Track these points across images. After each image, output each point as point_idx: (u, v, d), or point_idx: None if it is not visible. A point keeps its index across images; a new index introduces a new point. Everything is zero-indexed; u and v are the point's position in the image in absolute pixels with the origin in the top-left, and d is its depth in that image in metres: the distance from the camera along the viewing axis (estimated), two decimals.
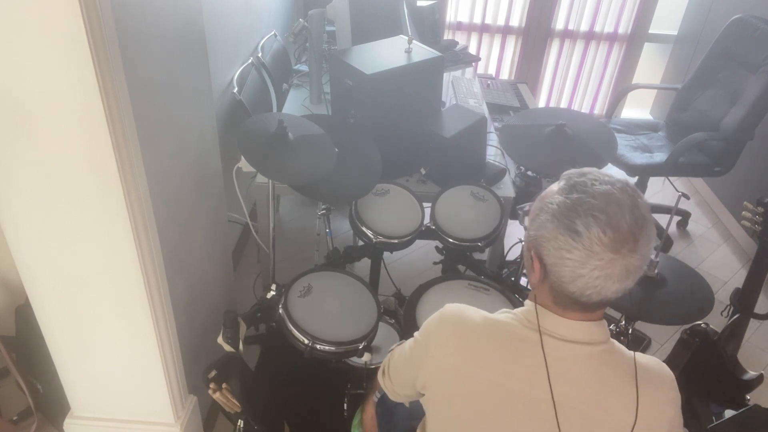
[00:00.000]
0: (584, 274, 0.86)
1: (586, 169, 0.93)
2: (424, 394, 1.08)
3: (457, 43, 3.16)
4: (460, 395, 1.00)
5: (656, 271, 1.59)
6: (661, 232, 3.07)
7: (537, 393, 0.94)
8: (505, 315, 1.01)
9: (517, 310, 1.01)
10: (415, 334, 1.10)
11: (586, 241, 0.85)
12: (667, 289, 1.58)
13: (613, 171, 3.27)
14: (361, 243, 1.95)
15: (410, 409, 1.33)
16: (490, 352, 0.97)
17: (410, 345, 1.13)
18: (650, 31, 3.95)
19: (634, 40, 3.96)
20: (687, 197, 1.64)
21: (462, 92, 2.79)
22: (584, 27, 3.94)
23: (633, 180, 3.16)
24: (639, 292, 1.57)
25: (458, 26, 3.98)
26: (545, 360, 0.94)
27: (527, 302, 0.99)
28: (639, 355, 0.96)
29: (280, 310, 1.51)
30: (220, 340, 1.53)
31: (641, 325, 2.47)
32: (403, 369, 1.15)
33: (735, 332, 1.80)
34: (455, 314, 1.02)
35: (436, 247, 2.01)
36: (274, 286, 1.74)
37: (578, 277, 0.87)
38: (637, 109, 4.33)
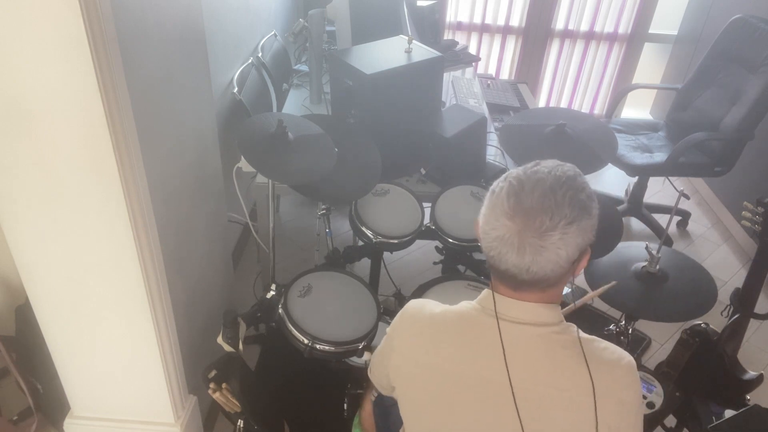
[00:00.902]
0: (487, 231, 0.93)
1: (558, 161, 0.97)
2: (394, 387, 1.11)
3: (457, 43, 3.16)
4: (425, 385, 1.03)
5: (657, 266, 1.58)
6: (661, 232, 3.08)
7: (494, 376, 0.96)
8: (462, 304, 1.04)
9: (474, 299, 1.03)
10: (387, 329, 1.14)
11: (494, 200, 0.93)
12: (669, 285, 1.58)
13: (613, 171, 3.28)
14: (361, 243, 1.95)
15: None
16: (448, 342, 1.00)
17: (382, 342, 1.17)
18: (650, 31, 3.95)
19: (634, 40, 3.96)
20: (687, 197, 1.64)
21: (462, 92, 2.79)
22: (584, 27, 3.94)
23: (633, 180, 3.16)
24: (640, 289, 1.57)
25: (458, 26, 3.98)
26: (502, 343, 0.95)
27: (484, 290, 1.02)
28: (595, 339, 0.97)
29: (280, 310, 1.51)
30: (220, 340, 1.53)
31: (641, 326, 2.47)
32: (379, 365, 1.18)
33: (735, 332, 1.80)
34: (415, 309, 1.07)
35: (436, 247, 2.01)
36: (274, 286, 1.74)
37: (484, 235, 0.94)
38: (637, 109, 4.33)
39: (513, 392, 0.94)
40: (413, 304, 1.08)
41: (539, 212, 0.88)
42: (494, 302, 0.97)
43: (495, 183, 0.95)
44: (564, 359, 0.94)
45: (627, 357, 0.97)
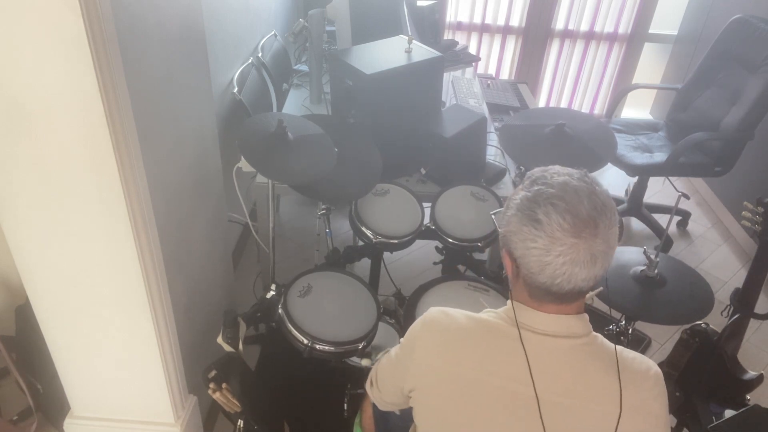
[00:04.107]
0: (550, 261, 0.88)
1: (550, 166, 0.96)
2: (411, 397, 1.09)
3: (457, 43, 3.16)
4: (447, 395, 1.01)
5: (656, 271, 1.59)
6: (661, 232, 3.08)
7: (520, 388, 0.95)
8: (487, 314, 1.02)
9: (499, 309, 1.02)
10: (401, 339, 1.12)
11: (548, 229, 0.88)
12: (667, 289, 1.58)
13: (613, 171, 3.29)
14: (361, 243, 1.95)
15: (406, 411, 1.33)
16: (473, 351, 0.99)
17: (396, 351, 1.14)
18: (650, 31, 3.95)
19: (634, 40, 3.96)
20: (687, 197, 1.64)
21: (462, 92, 2.79)
22: (584, 27, 3.94)
23: (633, 180, 3.16)
24: (639, 292, 1.57)
25: (458, 26, 3.98)
26: (526, 355, 0.94)
27: (508, 301, 1.01)
28: (623, 350, 0.97)
29: (280, 310, 1.51)
30: (220, 340, 1.53)
31: (641, 325, 2.47)
32: (390, 376, 1.16)
33: (735, 332, 1.80)
34: (438, 316, 1.04)
35: (436, 247, 2.00)
36: (274, 286, 1.74)
37: (545, 266, 0.89)
38: (637, 109, 4.33)
39: (539, 405, 0.94)
40: (435, 312, 1.05)
41: (598, 215, 0.88)
42: (515, 314, 0.97)
43: (526, 214, 0.89)
44: (594, 371, 0.94)
45: (654, 367, 0.96)
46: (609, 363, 0.94)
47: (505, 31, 4.00)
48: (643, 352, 2.42)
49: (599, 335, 0.98)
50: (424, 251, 2.86)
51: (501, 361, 0.96)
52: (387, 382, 1.17)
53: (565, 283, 0.89)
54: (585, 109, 4.27)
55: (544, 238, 0.88)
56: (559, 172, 0.93)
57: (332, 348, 1.46)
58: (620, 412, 0.91)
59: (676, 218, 3.27)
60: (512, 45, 4.05)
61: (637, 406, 0.92)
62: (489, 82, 3.11)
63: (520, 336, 0.95)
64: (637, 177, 3.11)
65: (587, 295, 1.00)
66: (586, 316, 0.97)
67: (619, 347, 0.96)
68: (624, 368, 0.94)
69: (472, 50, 3.92)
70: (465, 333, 1.00)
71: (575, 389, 0.94)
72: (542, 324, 0.95)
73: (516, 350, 0.95)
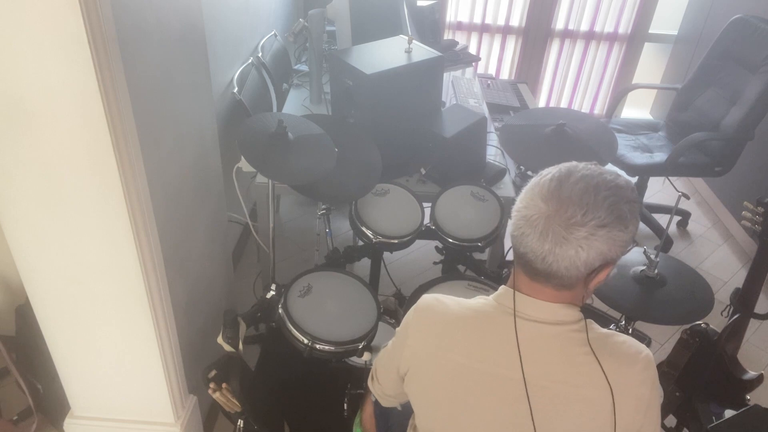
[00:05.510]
0: (519, 209, 0.93)
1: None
2: (405, 381, 1.10)
3: (457, 43, 3.16)
4: (438, 381, 1.02)
5: (656, 271, 1.59)
6: (661, 232, 3.07)
7: (509, 373, 0.96)
8: (477, 300, 1.04)
9: (491, 295, 1.03)
10: (396, 328, 1.14)
11: (537, 180, 0.93)
12: (667, 289, 1.58)
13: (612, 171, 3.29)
14: (361, 243, 1.95)
15: (406, 407, 1.33)
16: (463, 337, 1.00)
17: (392, 340, 1.16)
18: (650, 31, 3.95)
19: (634, 40, 3.96)
20: (687, 197, 1.64)
21: (462, 92, 2.79)
22: (584, 27, 3.94)
23: (633, 179, 3.16)
24: (639, 292, 1.57)
25: (458, 26, 3.98)
26: (517, 341, 0.96)
27: (501, 287, 1.02)
28: (615, 334, 0.97)
29: (280, 310, 1.51)
30: (220, 340, 1.53)
31: (641, 325, 2.47)
32: (387, 364, 1.17)
33: (735, 332, 1.80)
34: (430, 303, 1.06)
35: (436, 247, 2.00)
36: (274, 286, 1.74)
37: (515, 212, 0.94)
38: (637, 109, 4.33)
39: (527, 389, 0.95)
40: (428, 299, 1.07)
41: (574, 204, 0.87)
42: (514, 299, 0.97)
43: (547, 169, 0.95)
44: (580, 356, 0.94)
45: (645, 351, 0.96)
46: (597, 348, 0.94)
47: (505, 31, 4.00)
48: None
49: (591, 321, 0.98)
50: (424, 251, 2.86)
51: (490, 347, 0.98)
52: (386, 372, 1.19)
53: (518, 240, 0.92)
54: (585, 109, 4.27)
55: (530, 187, 0.93)
56: (607, 169, 0.95)
57: (332, 348, 1.46)
58: (613, 399, 0.92)
59: (676, 218, 3.27)
60: (512, 45, 4.05)
61: (625, 390, 0.93)
62: (489, 82, 3.11)
63: (515, 321, 0.96)
64: (637, 177, 3.11)
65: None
66: (576, 306, 0.98)
67: (611, 332, 0.97)
68: (613, 352, 0.94)
69: (472, 50, 3.92)
70: (456, 320, 1.02)
71: (563, 375, 0.94)
72: (532, 310, 0.96)
73: (505, 336, 0.97)
